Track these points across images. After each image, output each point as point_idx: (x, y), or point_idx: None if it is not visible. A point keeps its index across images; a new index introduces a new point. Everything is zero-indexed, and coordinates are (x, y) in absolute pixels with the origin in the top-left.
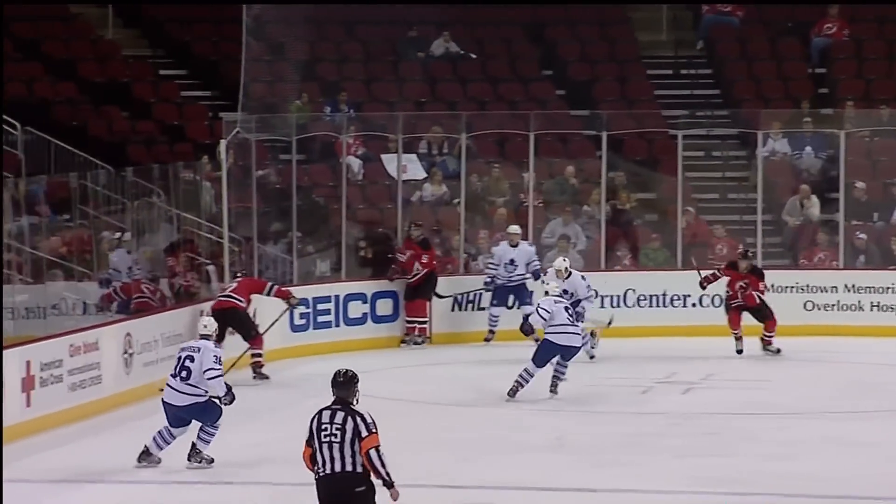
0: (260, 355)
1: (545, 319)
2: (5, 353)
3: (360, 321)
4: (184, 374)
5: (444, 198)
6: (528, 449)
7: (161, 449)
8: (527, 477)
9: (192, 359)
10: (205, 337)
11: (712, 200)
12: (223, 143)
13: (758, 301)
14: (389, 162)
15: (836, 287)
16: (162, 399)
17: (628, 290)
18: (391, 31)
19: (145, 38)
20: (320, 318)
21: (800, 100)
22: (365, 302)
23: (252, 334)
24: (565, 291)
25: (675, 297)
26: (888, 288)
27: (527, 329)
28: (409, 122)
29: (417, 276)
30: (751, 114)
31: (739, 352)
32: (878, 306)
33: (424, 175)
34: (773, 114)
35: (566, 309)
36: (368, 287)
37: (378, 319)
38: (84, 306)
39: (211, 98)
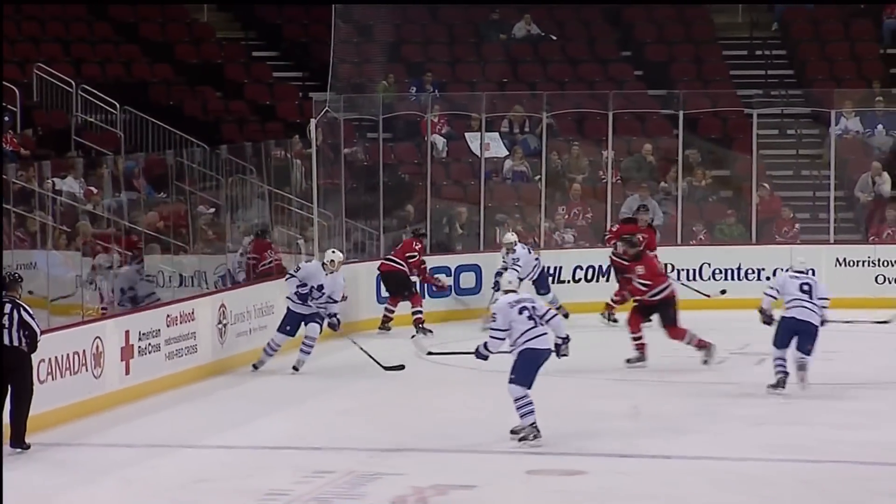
0: (420, 312)
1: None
2: (106, 323)
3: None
4: None
5: (525, 175)
6: (607, 417)
7: None
8: (605, 445)
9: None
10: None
11: (786, 177)
12: (313, 122)
13: None
14: (472, 140)
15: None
16: None
17: (703, 263)
18: (474, 13)
19: (238, 22)
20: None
21: (871, 80)
22: (448, 275)
23: (410, 294)
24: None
25: (750, 271)
26: None
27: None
28: (492, 102)
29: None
30: (823, 93)
31: None
32: None
33: (506, 153)
34: (846, 93)
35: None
36: (452, 261)
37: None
38: (181, 278)
39: (301, 79)
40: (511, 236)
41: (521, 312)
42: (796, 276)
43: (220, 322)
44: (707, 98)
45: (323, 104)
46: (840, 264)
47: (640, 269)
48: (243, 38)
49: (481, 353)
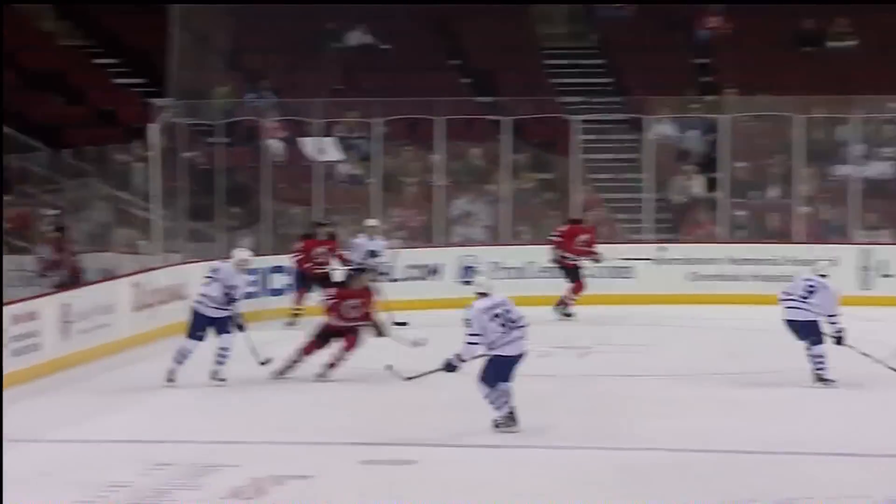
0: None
1: None
2: None
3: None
4: None
5: (359, 178)
6: (432, 407)
7: None
8: (435, 434)
9: None
10: None
11: (606, 180)
12: (153, 126)
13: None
14: (308, 145)
15: (717, 259)
16: None
17: (529, 262)
18: (310, 23)
19: (79, 29)
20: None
21: (685, 88)
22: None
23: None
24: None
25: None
26: (765, 259)
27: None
28: (327, 108)
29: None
30: (640, 100)
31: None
32: (756, 277)
33: (341, 157)
34: (661, 100)
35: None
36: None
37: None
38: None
39: (142, 85)
40: (374, 221)
41: (493, 319)
42: (807, 280)
43: (63, 320)
44: (531, 105)
45: (162, 109)
46: (656, 262)
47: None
48: (85, 46)
49: (452, 365)
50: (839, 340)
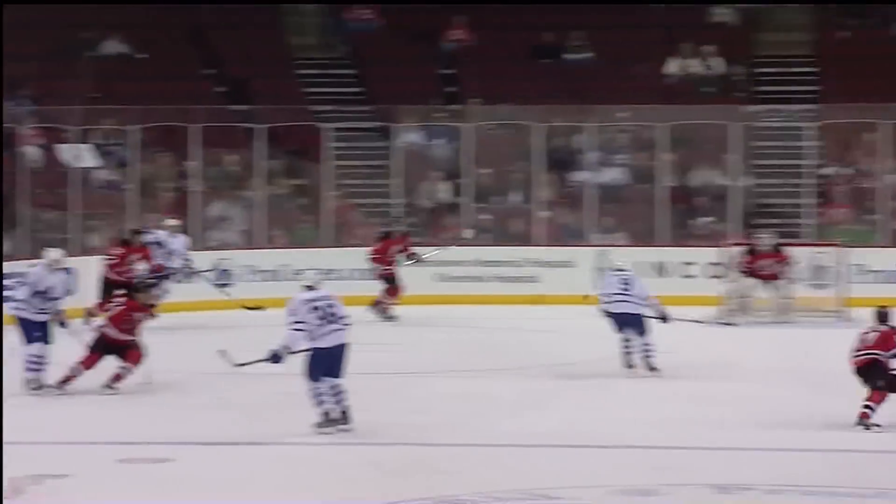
0: None
1: None
2: None
3: None
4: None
5: (116, 184)
6: (192, 408)
7: None
8: (194, 432)
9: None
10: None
11: (357, 186)
12: None
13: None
14: (64, 151)
15: (465, 261)
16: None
17: (283, 265)
18: (66, 31)
19: None
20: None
21: (431, 97)
22: None
23: None
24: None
25: (329, 271)
26: (507, 262)
27: None
28: (83, 115)
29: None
30: (389, 109)
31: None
32: (499, 278)
33: (98, 163)
34: (409, 109)
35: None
36: None
37: None
38: None
39: None
40: (174, 220)
41: (312, 311)
42: (617, 274)
43: None
44: (284, 113)
45: None
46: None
47: None
48: None
49: (277, 356)
50: (664, 319)
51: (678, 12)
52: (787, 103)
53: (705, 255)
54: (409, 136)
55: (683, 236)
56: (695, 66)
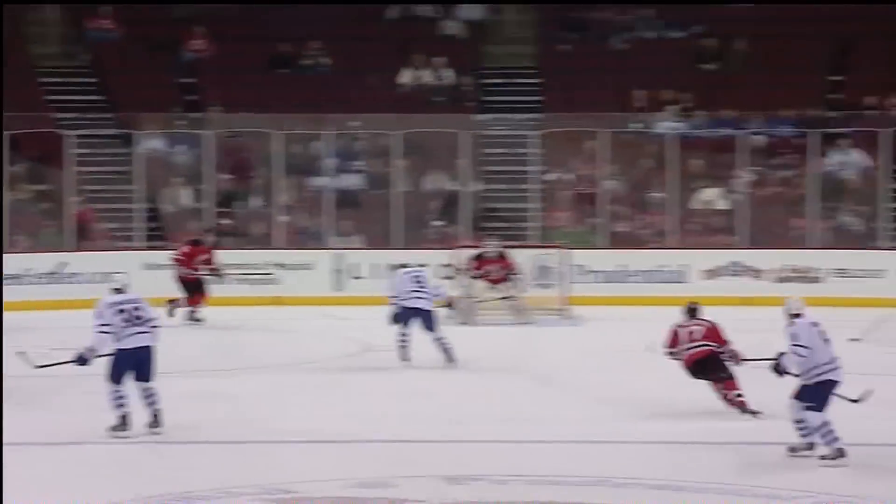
0: None
1: None
2: None
3: None
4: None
5: None
6: None
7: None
8: None
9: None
10: None
11: (99, 191)
12: None
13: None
14: None
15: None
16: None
17: (27, 269)
18: None
19: None
20: None
21: (172, 105)
22: None
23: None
24: None
25: (72, 274)
26: (249, 264)
27: None
28: None
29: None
30: (130, 117)
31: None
32: (241, 280)
33: None
34: (150, 117)
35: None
36: None
37: None
38: None
39: None
40: None
41: (118, 313)
42: (410, 272)
43: None
44: (26, 120)
45: None
46: (148, 268)
47: None
48: None
49: (83, 358)
50: (451, 305)
51: (411, 25)
52: (512, 112)
53: (437, 257)
54: (150, 142)
55: (417, 239)
56: (426, 76)
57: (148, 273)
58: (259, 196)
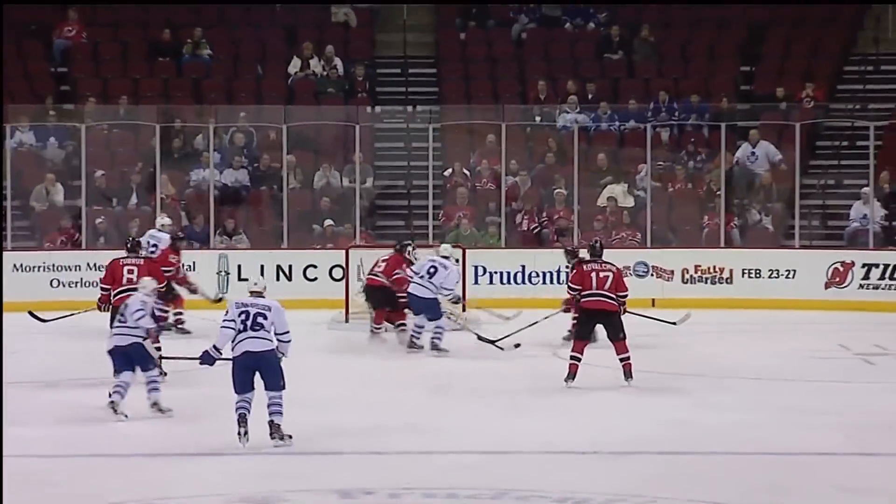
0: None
1: None
2: None
3: None
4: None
5: None
6: None
7: None
8: None
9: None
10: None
11: None
12: None
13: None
14: None
15: (79, 266)
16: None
17: None
18: None
19: None
20: None
21: (44, 96)
22: None
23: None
24: None
25: None
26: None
27: None
28: None
29: None
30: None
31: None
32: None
33: None
34: (20, 108)
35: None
36: None
37: None
38: None
39: None
40: None
41: (238, 315)
42: (431, 261)
43: None
44: None
45: None
46: (17, 269)
47: None
48: None
49: (208, 357)
50: (458, 300)
51: (299, 12)
52: (407, 104)
53: (328, 258)
54: (20, 136)
55: (307, 239)
56: (316, 66)
57: (18, 275)
58: (138, 192)
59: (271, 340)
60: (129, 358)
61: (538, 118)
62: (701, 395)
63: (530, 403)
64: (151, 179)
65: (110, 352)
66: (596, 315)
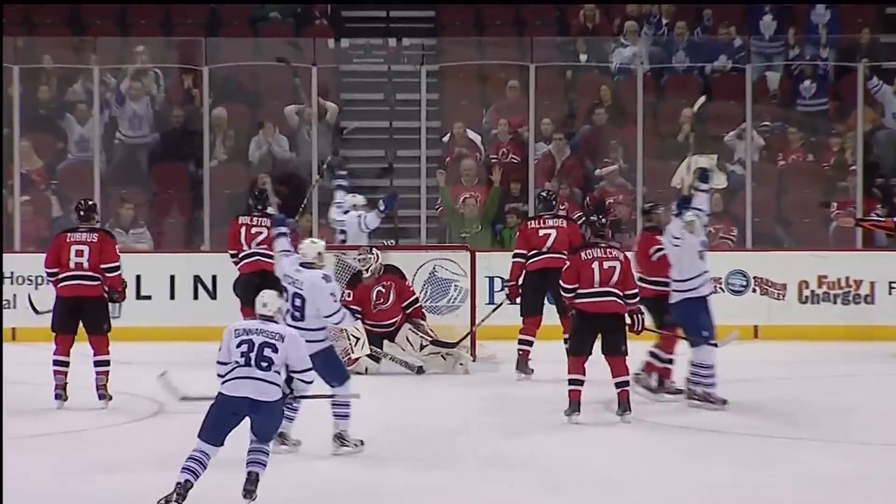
0: None
1: None
2: None
3: None
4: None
5: None
6: None
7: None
8: None
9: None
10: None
11: None
12: None
13: None
14: None
15: None
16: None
17: None
18: None
19: None
20: None
21: None
22: None
23: None
24: None
25: None
26: None
27: None
28: None
29: None
30: None
31: None
32: None
33: None
34: None
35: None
36: None
37: None
38: None
39: None
40: None
41: (238, 346)
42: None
43: None
44: None
45: None
46: None
47: None
48: None
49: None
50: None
51: None
52: (387, 36)
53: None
54: None
55: None
56: None
57: None
58: None
59: (280, 386)
60: None
61: (583, 56)
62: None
63: (565, 473)
64: (7, 146)
65: None
66: (598, 321)
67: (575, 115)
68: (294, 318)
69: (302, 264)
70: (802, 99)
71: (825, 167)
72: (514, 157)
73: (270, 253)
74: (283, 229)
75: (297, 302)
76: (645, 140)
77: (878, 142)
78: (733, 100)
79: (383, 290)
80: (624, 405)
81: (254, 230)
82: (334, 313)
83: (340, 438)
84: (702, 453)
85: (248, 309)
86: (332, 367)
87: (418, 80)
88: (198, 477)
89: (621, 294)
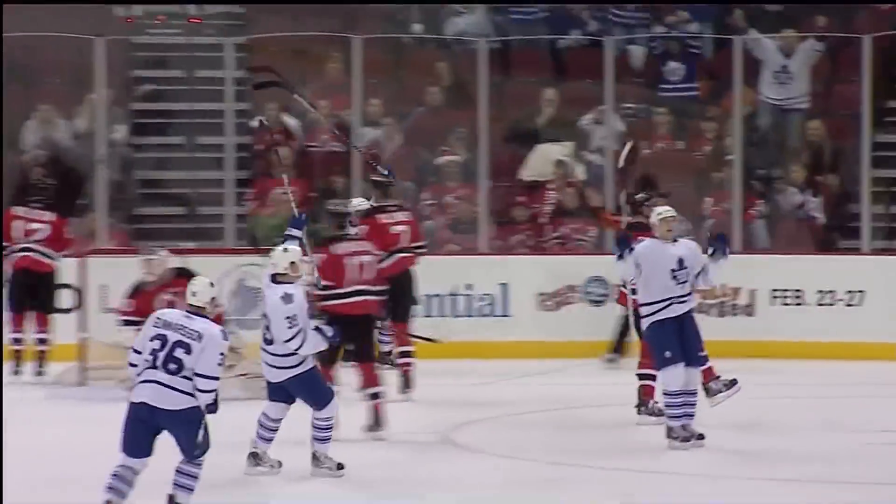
0: None
1: None
2: None
3: None
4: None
5: None
6: None
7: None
8: None
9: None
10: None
11: None
12: None
13: None
14: None
15: None
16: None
17: None
18: None
19: None
20: None
21: None
22: None
23: None
24: None
25: None
26: None
27: None
28: None
29: None
30: None
31: None
32: None
33: None
34: None
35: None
36: None
37: None
38: None
39: None
40: None
41: (153, 339)
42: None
43: None
44: None
45: None
46: None
47: None
48: None
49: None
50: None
51: None
52: (196, 3)
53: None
54: None
55: None
56: None
57: None
58: None
59: (189, 393)
60: None
61: (417, 27)
62: None
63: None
64: None
65: None
66: (347, 323)
67: (407, 96)
68: (265, 340)
69: (272, 277)
70: (668, 81)
71: (697, 156)
72: (336, 144)
73: (47, 251)
74: (297, 232)
75: (266, 322)
76: (491, 125)
77: (758, 127)
78: (590, 79)
79: (172, 299)
80: (373, 421)
81: (32, 225)
82: (290, 339)
83: (317, 459)
84: None
85: (19, 317)
86: (310, 390)
87: (222, 55)
88: (124, 496)
89: (375, 290)
